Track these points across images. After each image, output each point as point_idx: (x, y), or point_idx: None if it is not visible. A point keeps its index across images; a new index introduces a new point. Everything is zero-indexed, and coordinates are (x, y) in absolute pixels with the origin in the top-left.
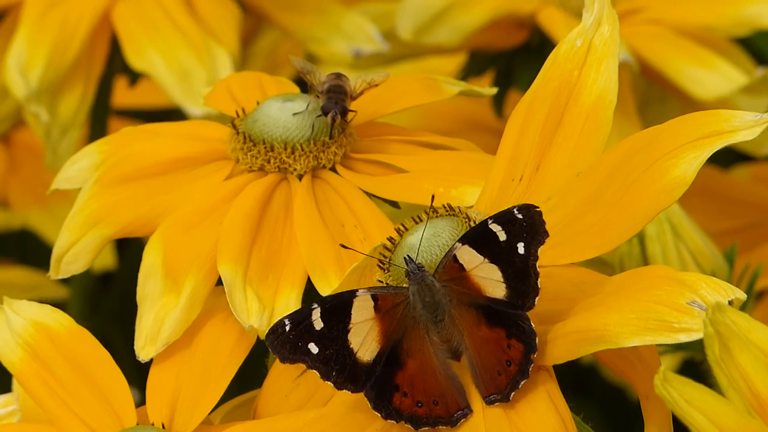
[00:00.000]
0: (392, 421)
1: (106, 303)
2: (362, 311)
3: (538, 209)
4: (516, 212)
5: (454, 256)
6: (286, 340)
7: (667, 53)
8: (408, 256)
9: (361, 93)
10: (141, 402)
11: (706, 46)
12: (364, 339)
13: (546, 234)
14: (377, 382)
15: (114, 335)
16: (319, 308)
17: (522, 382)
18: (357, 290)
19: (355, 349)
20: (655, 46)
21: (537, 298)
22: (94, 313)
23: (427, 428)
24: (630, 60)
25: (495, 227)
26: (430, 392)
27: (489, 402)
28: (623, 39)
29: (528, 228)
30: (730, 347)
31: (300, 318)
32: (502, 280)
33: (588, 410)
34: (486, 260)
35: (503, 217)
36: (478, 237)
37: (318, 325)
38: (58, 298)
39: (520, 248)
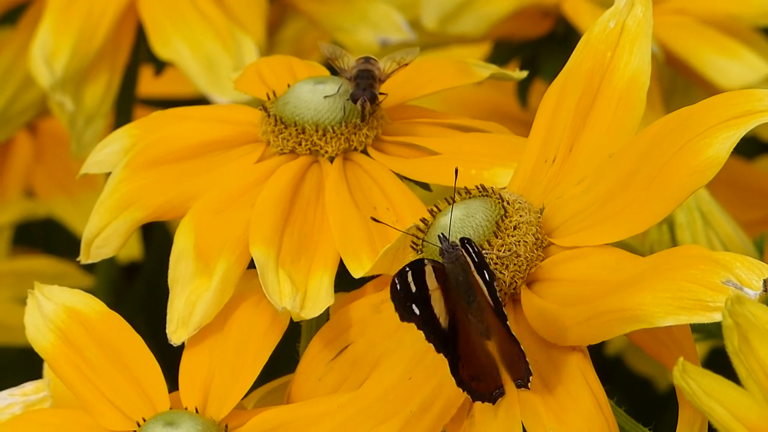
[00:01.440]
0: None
1: (130, 293)
2: (432, 279)
3: None
4: None
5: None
6: (399, 299)
7: (691, 43)
8: (442, 234)
9: (391, 74)
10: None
11: (730, 35)
12: (439, 306)
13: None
14: (452, 349)
15: (139, 326)
16: (410, 271)
17: (530, 376)
18: (424, 259)
19: (438, 315)
20: (679, 35)
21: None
22: (119, 304)
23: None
24: (655, 50)
25: None
26: (476, 368)
27: (518, 386)
28: None
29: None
30: (749, 338)
31: (403, 278)
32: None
33: (613, 400)
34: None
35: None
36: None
37: (413, 287)
38: (83, 287)
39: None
